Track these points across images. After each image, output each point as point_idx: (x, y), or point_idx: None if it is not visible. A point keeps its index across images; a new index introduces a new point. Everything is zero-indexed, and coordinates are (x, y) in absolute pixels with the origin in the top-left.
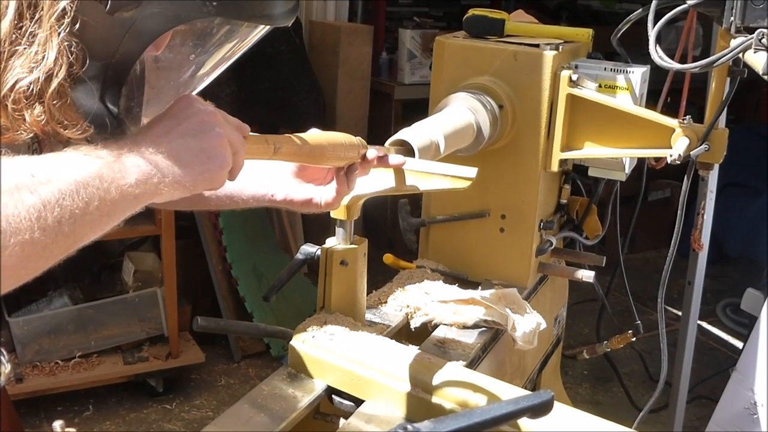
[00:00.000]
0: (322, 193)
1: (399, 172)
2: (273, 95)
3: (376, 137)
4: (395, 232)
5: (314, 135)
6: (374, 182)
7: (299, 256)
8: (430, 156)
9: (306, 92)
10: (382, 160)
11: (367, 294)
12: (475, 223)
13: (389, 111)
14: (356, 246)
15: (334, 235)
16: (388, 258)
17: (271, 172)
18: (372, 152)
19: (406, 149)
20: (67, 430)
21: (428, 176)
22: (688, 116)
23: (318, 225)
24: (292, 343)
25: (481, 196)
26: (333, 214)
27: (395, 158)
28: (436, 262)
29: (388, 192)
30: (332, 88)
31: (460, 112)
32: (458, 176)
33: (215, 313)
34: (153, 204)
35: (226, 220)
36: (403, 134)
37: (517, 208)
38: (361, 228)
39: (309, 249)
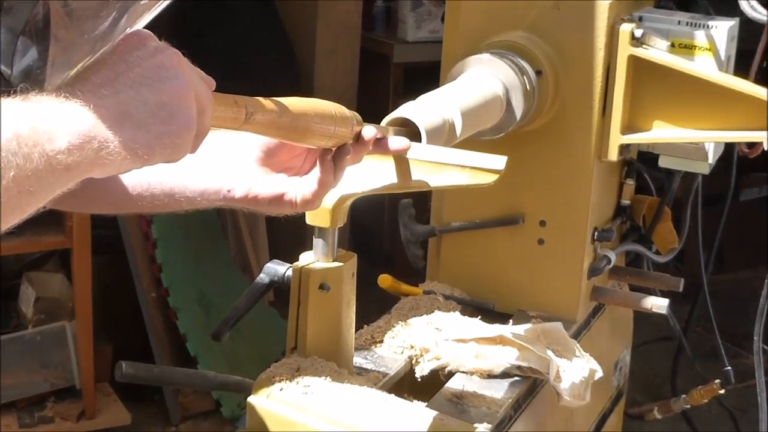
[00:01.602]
0: (297, 187)
1: (401, 161)
2: (227, 56)
3: (368, 115)
4: (395, 245)
5: (296, 101)
6: (367, 176)
7: (263, 277)
8: (442, 141)
9: (272, 52)
10: (379, 144)
11: (357, 330)
12: (504, 232)
13: (386, 79)
14: (341, 264)
15: (311, 249)
16: (386, 280)
17: (226, 158)
18: (370, 130)
19: (410, 131)
20: None
21: (440, 168)
22: None
23: (289, 234)
24: (251, 399)
25: (512, 195)
26: (310, 220)
27: (396, 142)
28: (450, 286)
29: (386, 190)
30: (309, 47)
31: (482, 81)
32: (481, 168)
33: (146, 357)
34: (58, 205)
35: (163, 228)
36: (406, 111)
37: (561, 211)
38: (349, 239)
39: (276, 268)
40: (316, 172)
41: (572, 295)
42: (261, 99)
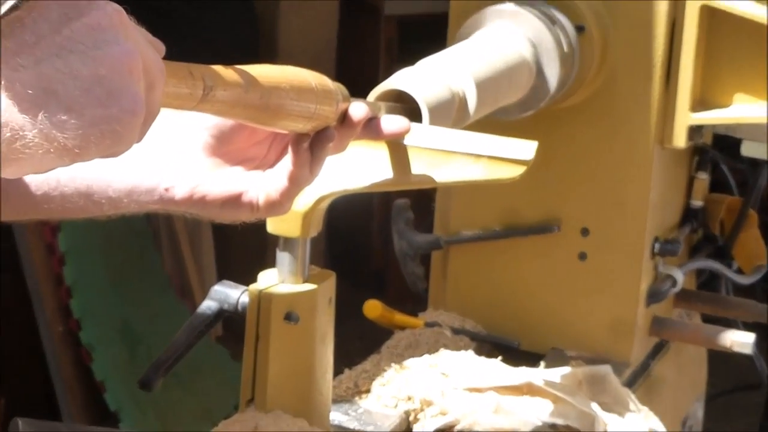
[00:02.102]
0: (260, 185)
1: (396, 149)
2: (169, 11)
3: (351, 87)
4: (387, 261)
5: (266, 70)
6: (351, 168)
7: (209, 305)
8: (449, 121)
9: (226, 5)
10: (370, 127)
11: (336, 376)
12: (533, 244)
13: (376, 37)
14: (314, 286)
15: (273, 266)
16: (374, 308)
17: (163, 146)
18: (359, 108)
19: (407, 109)
20: None
21: (447, 158)
22: None
23: (244, 247)
24: None
25: (543, 194)
26: (274, 227)
27: (392, 123)
28: (460, 316)
29: (376, 187)
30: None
31: (504, 41)
32: (502, 158)
33: (51, 411)
34: None
35: (73, 239)
36: (402, 81)
37: (610, 216)
38: (326, 252)
39: (227, 292)
40: (285, 164)
41: (625, 328)
42: (221, 69)
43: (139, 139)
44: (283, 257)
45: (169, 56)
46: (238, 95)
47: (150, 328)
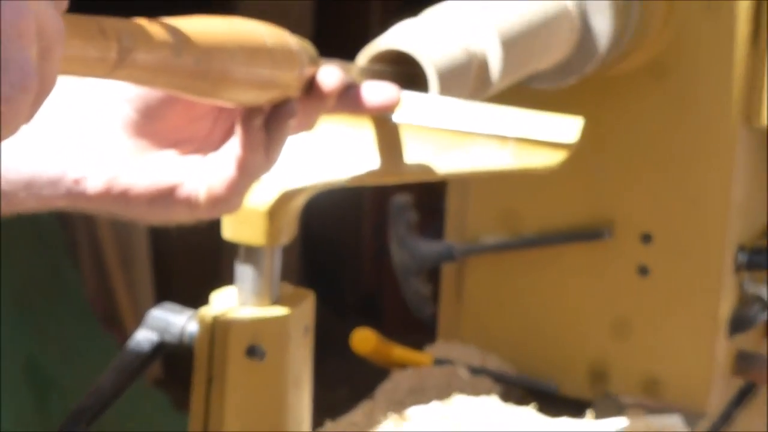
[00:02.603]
0: (200, 174)
1: (388, 128)
2: None
3: (332, 48)
4: (381, 277)
5: (203, 25)
6: (330, 155)
7: (144, 336)
8: (465, 90)
9: None
10: (349, 98)
11: (315, 429)
12: (577, 255)
13: None
14: (286, 311)
15: (230, 283)
16: (365, 340)
17: (73, 124)
18: (332, 74)
19: (407, 74)
20: None
21: (461, 140)
22: None
23: (191, 259)
24: None
25: (591, 189)
26: (231, 233)
27: (378, 92)
28: (480, 350)
29: (365, 179)
30: None
31: None
32: (536, 140)
33: None
34: None
35: None
36: (401, 38)
37: (679, 218)
38: (301, 266)
39: (168, 319)
40: (233, 147)
41: (700, 365)
42: (144, 23)
43: (28, 120)
44: (244, 272)
45: (74, 8)
46: (166, 59)
47: (65, 367)
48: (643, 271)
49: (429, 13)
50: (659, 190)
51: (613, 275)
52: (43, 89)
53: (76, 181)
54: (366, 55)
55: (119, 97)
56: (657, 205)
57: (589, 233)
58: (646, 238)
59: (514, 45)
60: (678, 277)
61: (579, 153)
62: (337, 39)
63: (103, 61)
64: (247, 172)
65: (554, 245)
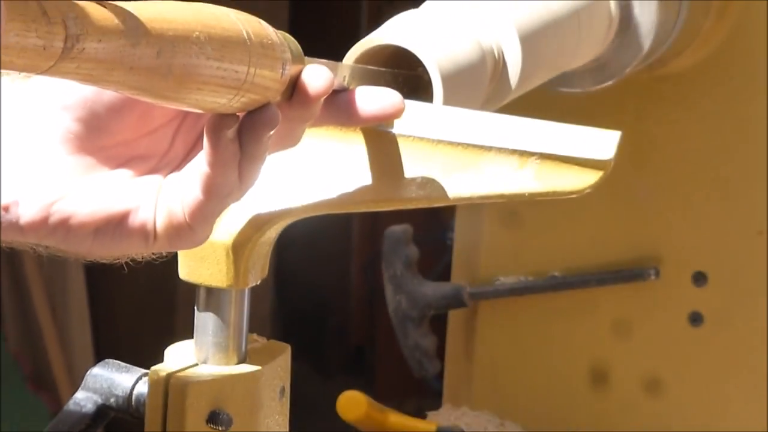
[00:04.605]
0: (157, 198)
1: (385, 142)
2: None
3: (316, 45)
4: (374, 328)
5: (167, 7)
6: (312, 174)
7: (83, 399)
8: (479, 96)
9: None
10: (337, 104)
11: None
12: (615, 299)
13: None
14: (256, 369)
15: (189, 335)
16: (354, 404)
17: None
18: (319, 73)
19: (407, 77)
20: None
21: (475, 157)
22: None
23: (141, 304)
24: None
25: (632, 218)
26: (188, 272)
27: (372, 97)
28: (497, 417)
29: (352, 205)
30: None
31: None
32: (564, 156)
33: None
34: None
35: None
36: (399, 33)
37: (741, 253)
38: (275, 314)
39: (113, 379)
40: (198, 165)
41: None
42: (92, 5)
43: None
44: (204, 321)
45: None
46: (122, 50)
47: None
48: (696, 318)
49: (432, 4)
50: (715, 220)
51: (659, 323)
52: None
53: (6, 208)
54: (356, 53)
55: (56, 105)
56: (713, 238)
57: (630, 273)
58: (700, 279)
59: (537, 42)
60: (737, 327)
61: (616, 173)
62: (322, 32)
63: (45, 50)
64: (217, 195)
65: (587, 288)
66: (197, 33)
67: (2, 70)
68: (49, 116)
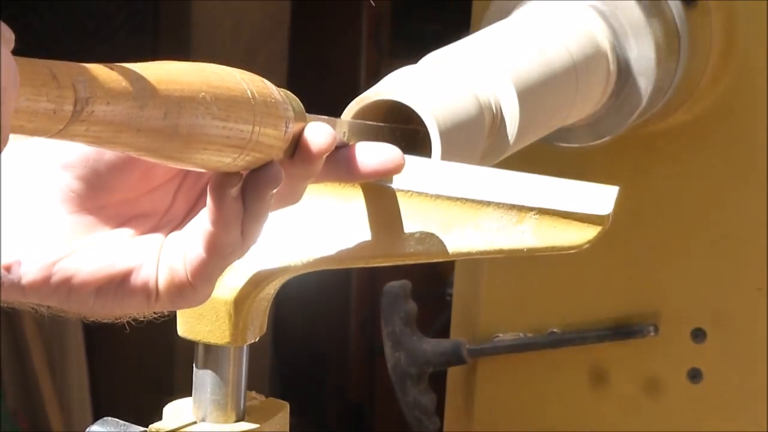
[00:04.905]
0: (159, 256)
1: (384, 197)
2: None
3: (314, 101)
4: (373, 385)
5: (171, 69)
6: (310, 231)
7: None
8: (476, 151)
9: None
10: (338, 161)
11: None
12: (614, 355)
13: (354, 17)
14: (254, 428)
15: (187, 393)
16: None
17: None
18: (321, 131)
19: (405, 132)
20: None
21: (474, 213)
22: None
23: (139, 362)
24: None
25: (630, 273)
26: (186, 329)
27: (373, 153)
28: None
29: (351, 260)
30: None
31: (564, 21)
32: (562, 212)
33: None
34: None
35: None
36: (398, 88)
37: (741, 309)
38: (273, 371)
39: None
40: (200, 222)
41: None
42: (102, 69)
43: None
44: (203, 378)
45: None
46: (130, 112)
47: None
48: (695, 375)
49: (431, 58)
50: (713, 276)
51: (657, 380)
52: None
53: (7, 268)
54: (355, 108)
55: (57, 163)
56: (711, 294)
57: (629, 329)
58: (699, 335)
59: (533, 95)
60: (736, 383)
61: (615, 229)
62: (320, 89)
63: (56, 115)
64: (220, 254)
65: (586, 344)
66: (203, 93)
67: (13, 134)
68: (50, 175)
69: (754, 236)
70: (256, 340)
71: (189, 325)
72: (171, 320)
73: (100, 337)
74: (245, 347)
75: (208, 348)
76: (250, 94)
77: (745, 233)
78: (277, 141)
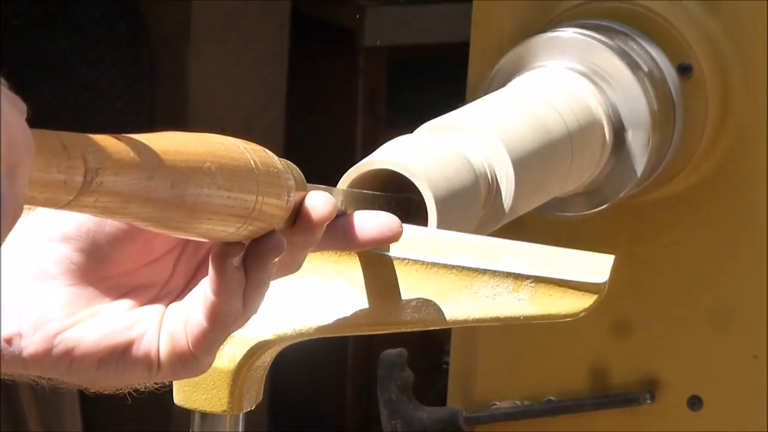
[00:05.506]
0: (160, 326)
1: (378, 265)
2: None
3: (310, 169)
4: None
5: (176, 139)
6: (307, 298)
7: None
8: (472, 220)
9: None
10: (337, 230)
11: None
12: (611, 423)
13: (351, 80)
14: None
15: None
16: None
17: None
18: (321, 200)
19: (401, 201)
20: None
21: (469, 281)
22: None
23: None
24: None
25: (626, 341)
26: (183, 397)
27: (371, 221)
28: None
29: (348, 328)
30: (180, 24)
31: (559, 93)
32: (558, 280)
33: None
34: None
35: None
36: (394, 157)
37: (738, 377)
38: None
39: None
40: (202, 292)
41: None
42: (110, 140)
43: None
44: None
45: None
46: (138, 183)
47: None
48: None
49: (427, 127)
50: (710, 344)
51: None
52: (10, 214)
53: (8, 340)
54: (350, 177)
55: (56, 235)
56: (707, 362)
57: (626, 397)
58: (695, 403)
59: (529, 163)
60: None
61: (611, 296)
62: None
63: (66, 185)
64: (222, 323)
65: (582, 412)
66: (208, 163)
67: (25, 206)
68: (49, 247)
69: (750, 304)
70: (253, 408)
71: (185, 393)
72: (167, 389)
73: (97, 407)
74: (241, 415)
75: (205, 416)
76: (253, 163)
77: (742, 301)
78: (280, 210)
